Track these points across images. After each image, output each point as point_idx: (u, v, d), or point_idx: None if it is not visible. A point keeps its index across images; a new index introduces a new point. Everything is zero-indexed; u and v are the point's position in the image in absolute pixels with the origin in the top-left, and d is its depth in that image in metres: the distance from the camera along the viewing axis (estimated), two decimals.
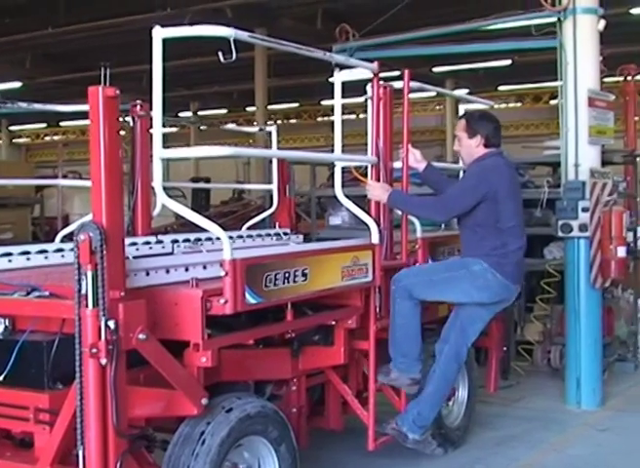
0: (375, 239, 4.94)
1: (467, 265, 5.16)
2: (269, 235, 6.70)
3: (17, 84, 25.49)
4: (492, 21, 8.06)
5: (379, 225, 5.09)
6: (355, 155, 5.64)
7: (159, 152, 3.80)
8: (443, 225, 6.73)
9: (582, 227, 7.17)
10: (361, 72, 5.22)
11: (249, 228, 6.81)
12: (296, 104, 33.43)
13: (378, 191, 5.19)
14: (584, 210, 7.17)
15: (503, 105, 30.04)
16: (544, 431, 6.61)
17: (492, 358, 6.76)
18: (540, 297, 8.60)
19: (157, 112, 3.84)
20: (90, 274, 3.31)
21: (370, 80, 5.31)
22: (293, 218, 7.13)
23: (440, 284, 5.19)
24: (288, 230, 6.84)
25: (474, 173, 5.29)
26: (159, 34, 3.80)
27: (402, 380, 5.18)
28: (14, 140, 40.21)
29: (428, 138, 31.57)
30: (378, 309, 5.07)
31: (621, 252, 7.23)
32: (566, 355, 7.56)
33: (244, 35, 4.02)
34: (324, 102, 30.63)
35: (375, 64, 5.20)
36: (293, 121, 35.29)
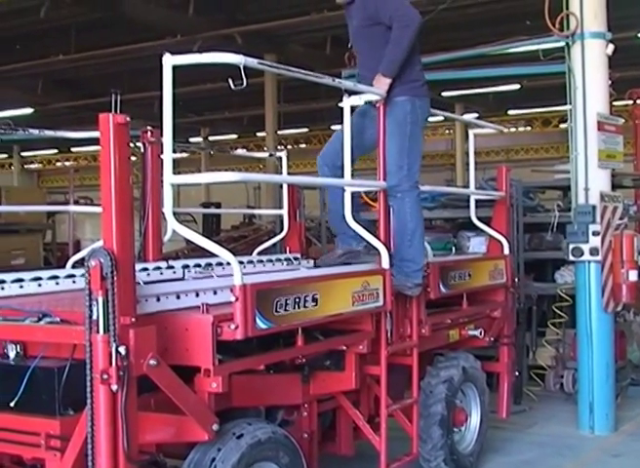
0: (385, 264, 4.94)
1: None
2: (280, 260, 6.70)
3: (28, 110, 25.68)
4: (500, 47, 8.10)
5: (389, 250, 5.09)
6: (365, 180, 5.65)
7: (170, 178, 3.82)
8: (454, 249, 6.74)
9: (593, 251, 7.16)
10: (369, 97, 5.24)
11: (259, 253, 6.82)
12: (305, 129, 33.55)
13: (382, 85, 5.18)
14: (595, 233, 7.16)
15: (513, 129, 30.09)
16: (558, 457, 6.56)
17: (503, 383, 6.74)
18: (551, 322, 8.57)
19: (168, 138, 3.86)
20: (101, 300, 3.32)
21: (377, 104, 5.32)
22: (303, 243, 7.14)
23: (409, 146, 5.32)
24: (298, 255, 6.84)
25: None
26: (169, 61, 3.83)
27: (407, 283, 5.19)
28: (25, 166, 40.48)
29: (438, 162, 31.64)
30: (389, 334, 5.05)
31: (633, 275, 7.21)
32: (578, 380, 7.52)
33: (253, 62, 4.05)
34: (334, 127, 30.74)
35: (383, 90, 5.21)
36: (303, 146, 35.40)
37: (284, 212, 6.94)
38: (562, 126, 26.53)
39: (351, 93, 5.15)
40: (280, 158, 7.16)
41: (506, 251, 6.67)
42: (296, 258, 6.78)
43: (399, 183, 5.22)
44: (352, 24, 5.54)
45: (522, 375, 8.24)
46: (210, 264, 6.05)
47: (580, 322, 7.39)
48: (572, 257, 7.29)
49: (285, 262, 6.71)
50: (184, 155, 27.69)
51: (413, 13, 5.20)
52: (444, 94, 23.55)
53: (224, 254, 3.83)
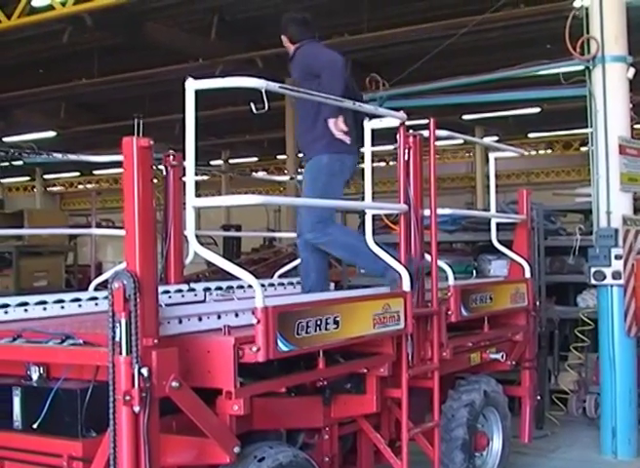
0: (406, 286, 4.94)
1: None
2: (300, 283, 6.71)
3: (51, 133, 25.94)
4: (521, 70, 8.12)
5: (409, 272, 5.09)
6: (386, 203, 5.67)
7: (192, 201, 3.85)
8: (475, 273, 6.73)
9: (616, 275, 7.12)
10: (390, 121, 5.26)
11: (280, 276, 6.84)
12: None
13: (338, 125, 5.48)
14: (617, 257, 7.13)
15: (534, 152, 30.05)
16: None
17: (525, 407, 6.70)
18: (573, 346, 8.51)
19: (190, 162, 3.90)
20: (123, 322, 3.34)
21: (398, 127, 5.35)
22: None
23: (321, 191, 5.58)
24: None
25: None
26: (192, 86, 3.87)
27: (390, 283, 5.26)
28: (48, 189, 40.81)
29: (458, 185, 31.63)
30: (409, 357, 5.04)
31: None
32: (601, 404, 7.46)
33: (275, 86, 4.08)
34: None
35: (402, 114, 5.24)
36: None
37: None
38: (583, 149, 26.45)
39: (372, 116, 5.18)
40: (301, 181, 7.19)
41: (528, 274, 6.66)
42: None
43: (315, 237, 5.66)
44: (294, 80, 5.94)
45: (544, 400, 8.18)
46: (231, 287, 6.08)
47: (602, 346, 7.34)
48: (594, 281, 7.26)
49: None
50: (205, 178, 27.85)
51: (335, 56, 5.71)
52: (464, 117, 23.60)
53: (246, 277, 3.85)
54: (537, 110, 22.40)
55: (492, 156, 7.07)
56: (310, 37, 6.08)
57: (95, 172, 37.51)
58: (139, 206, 3.47)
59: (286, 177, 13.53)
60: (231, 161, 34.23)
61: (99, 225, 12.74)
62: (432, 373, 5.34)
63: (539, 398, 7.45)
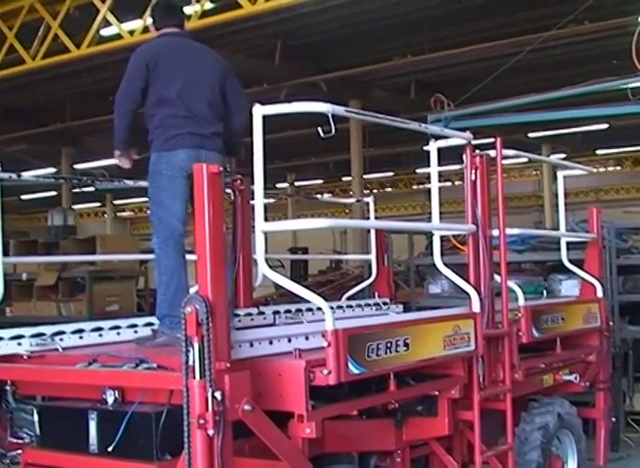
0: (476, 307, 4.90)
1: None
2: (369, 305, 6.72)
3: None
4: (588, 88, 8.04)
5: (479, 293, 5.05)
6: (453, 224, 5.64)
7: (261, 225, 3.89)
8: (545, 293, 6.65)
9: None
10: (456, 141, 5.25)
11: (348, 298, 6.85)
12: (391, 173, 33.64)
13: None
14: None
15: (602, 169, 29.60)
16: None
17: (600, 429, 6.58)
18: None
19: (259, 186, 3.94)
20: (196, 346, 3.38)
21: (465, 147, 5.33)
22: (392, 288, 7.14)
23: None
24: (387, 300, 6.85)
25: None
26: (260, 111, 3.93)
27: (171, 339, 4.60)
28: (118, 214, 41.53)
29: (526, 204, 31.31)
30: (481, 379, 4.99)
31: None
32: None
33: (340, 110, 4.11)
34: (419, 171, 30.75)
35: (469, 134, 5.22)
36: (388, 189, 35.47)
37: (372, 257, 6.96)
38: None
39: (438, 137, 5.18)
40: (368, 203, 7.22)
41: (600, 293, 6.55)
42: (385, 303, 6.79)
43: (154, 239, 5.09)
44: None
45: (619, 422, 8.01)
46: (300, 310, 6.11)
47: None
48: None
49: (374, 307, 6.73)
50: (272, 201, 28.05)
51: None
52: (530, 134, 23.40)
53: (316, 300, 3.87)
54: (604, 126, 22.10)
55: (560, 174, 6.99)
56: (174, 25, 5.36)
57: None
58: (210, 230, 3.52)
59: (352, 200, 13.55)
60: (297, 183, 34.44)
61: None
62: (504, 395, 5.27)
63: (613, 420, 7.29)
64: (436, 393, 4.79)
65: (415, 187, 34.55)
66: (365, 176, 24.01)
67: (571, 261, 6.59)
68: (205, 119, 5.09)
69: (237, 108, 5.28)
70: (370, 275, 7.11)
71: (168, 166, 5.02)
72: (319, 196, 24.12)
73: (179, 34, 5.35)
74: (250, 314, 5.78)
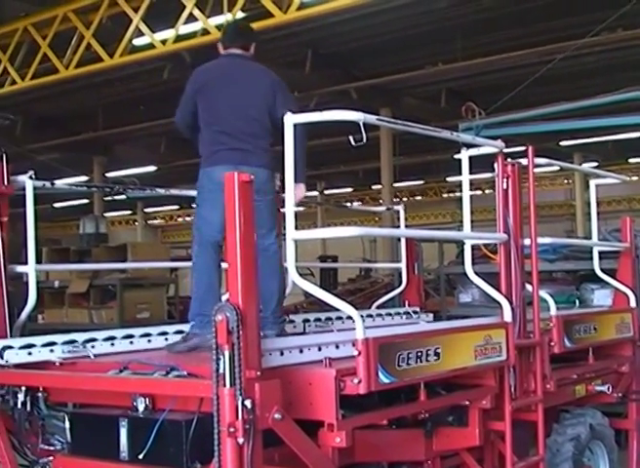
0: (507, 317, 4.87)
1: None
2: (399, 313, 6.69)
3: (151, 168, 26.60)
4: (621, 96, 7.98)
5: (511, 303, 5.02)
6: (485, 233, 5.61)
7: (292, 234, 3.89)
8: (577, 302, 6.60)
9: None
10: (488, 149, 5.23)
11: (378, 307, 6.83)
12: (421, 181, 33.57)
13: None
14: None
15: (635, 178, 29.33)
16: None
17: (633, 440, 6.50)
18: None
19: (289, 195, 3.95)
20: (227, 354, 3.38)
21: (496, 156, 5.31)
22: (422, 297, 7.12)
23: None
24: (417, 308, 6.82)
25: None
26: (291, 120, 3.94)
27: (203, 339, 4.70)
28: (149, 222, 41.81)
29: (557, 213, 31.14)
30: (512, 389, 4.96)
31: None
32: None
33: (372, 119, 4.11)
34: (449, 179, 30.67)
35: (501, 142, 5.19)
36: (418, 198, 35.40)
37: (402, 265, 6.94)
38: None
39: (469, 145, 5.16)
40: (398, 211, 7.21)
41: (633, 303, 6.48)
42: (415, 312, 6.77)
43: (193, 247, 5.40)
44: None
45: None
46: (329, 318, 6.10)
47: None
48: None
49: (404, 316, 6.70)
50: (301, 209, 28.10)
51: None
52: (562, 143, 23.26)
53: (347, 309, 3.85)
54: (637, 135, 21.87)
55: (592, 183, 6.93)
56: (238, 46, 5.60)
57: (194, 205, 38.22)
58: (240, 238, 3.53)
59: (382, 208, 13.54)
60: (327, 192, 34.47)
61: None
62: (536, 406, 5.23)
63: None
64: (467, 403, 4.76)
65: (445, 196, 34.46)
66: (395, 185, 23.98)
67: (603, 271, 6.54)
68: (248, 134, 5.26)
69: None
70: (400, 283, 7.09)
71: (208, 181, 5.22)
72: (349, 204, 24.14)
73: (238, 56, 5.55)
74: None
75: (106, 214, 25.11)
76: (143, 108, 22.30)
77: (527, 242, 5.42)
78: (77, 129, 24.70)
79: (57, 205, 33.35)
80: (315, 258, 20.72)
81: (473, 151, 5.15)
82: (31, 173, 4.96)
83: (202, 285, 5.20)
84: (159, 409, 3.92)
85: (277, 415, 3.50)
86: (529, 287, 5.26)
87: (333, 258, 22.52)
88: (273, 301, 5.12)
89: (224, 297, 3.73)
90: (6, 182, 4.81)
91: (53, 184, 5.42)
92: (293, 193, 3.97)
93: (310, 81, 18.93)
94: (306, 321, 5.93)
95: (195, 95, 5.35)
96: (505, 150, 5.23)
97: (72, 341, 4.78)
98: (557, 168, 24.97)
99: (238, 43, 5.58)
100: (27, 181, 4.92)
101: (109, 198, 25.78)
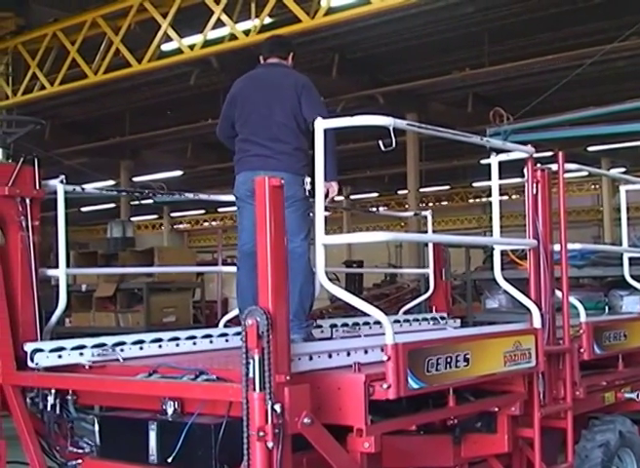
0: (537, 323, 4.85)
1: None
2: (426, 319, 6.68)
3: (178, 172, 26.71)
4: None
5: (540, 309, 4.99)
6: (514, 238, 5.58)
7: (321, 238, 3.89)
8: (607, 309, 6.55)
9: None
10: (518, 154, 5.20)
11: (405, 312, 6.82)
12: (447, 187, 33.46)
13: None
14: None
15: None
16: None
17: None
18: None
19: (319, 200, 3.96)
20: (257, 358, 3.39)
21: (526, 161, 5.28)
22: (449, 302, 7.09)
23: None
24: (445, 314, 6.80)
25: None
26: (321, 125, 3.94)
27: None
28: (175, 226, 41.98)
29: (584, 218, 30.92)
30: (541, 396, 4.92)
31: None
32: None
33: (403, 124, 4.11)
34: (475, 184, 30.55)
35: (530, 148, 5.17)
36: (444, 203, 35.28)
37: (429, 270, 6.92)
38: None
39: (498, 151, 5.13)
40: (425, 217, 7.19)
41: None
42: (442, 318, 6.75)
43: None
44: None
45: None
46: (357, 323, 6.10)
47: None
48: None
49: (431, 321, 6.68)
50: (327, 214, 28.09)
51: None
52: (590, 148, 23.10)
53: (376, 314, 3.85)
54: None
55: (622, 189, 6.88)
56: (276, 56, 5.76)
57: (219, 209, 38.39)
58: (271, 243, 3.54)
59: (410, 213, 13.51)
60: (352, 197, 34.45)
61: (224, 262, 12.97)
62: (565, 413, 5.19)
63: None
64: (496, 409, 4.73)
65: (471, 201, 34.34)
66: (421, 190, 23.93)
67: (633, 277, 6.48)
68: (271, 139, 5.37)
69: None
70: (427, 289, 7.07)
71: (236, 188, 5.52)
72: (375, 209, 24.11)
73: (273, 64, 5.71)
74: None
75: (133, 219, 25.23)
76: (170, 113, 22.42)
77: (557, 248, 5.39)
78: (105, 134, 24.88)
79: (84, 209, 33.56)
80: (341, 263, 20.70)
81: (503, 156, 5.13)
82: (62, 177, 5.00)
83: (240, 295, 5.37)
84: (188, 413, 3.93)
85: (306, 420, 3.50)
86: (558, 293, 5.23)
87: (358, 263, 22.51)
88: (297, 304, 5.13)
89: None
90: (38, 187, 4.85)
91: (83, 189, 5.46)
92: (322, 196, 3.97)
93: (337, 86, 18.93)
94: (334, 326, 5.93)
95: (229, 105, 5.59)
96: (537, 155, 5.21)
97: (102, 345, 4.80)
98: (585, 173, 24.82)
99: (275, 53, 5.74)
100: (59, 186, 4.96)
101: (136, 202, 25.92)
